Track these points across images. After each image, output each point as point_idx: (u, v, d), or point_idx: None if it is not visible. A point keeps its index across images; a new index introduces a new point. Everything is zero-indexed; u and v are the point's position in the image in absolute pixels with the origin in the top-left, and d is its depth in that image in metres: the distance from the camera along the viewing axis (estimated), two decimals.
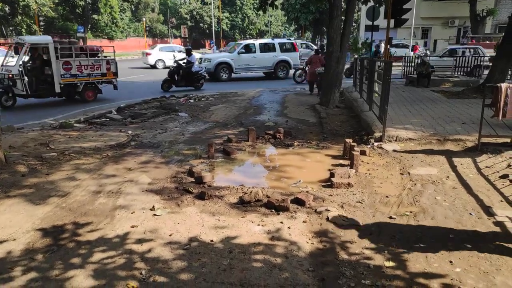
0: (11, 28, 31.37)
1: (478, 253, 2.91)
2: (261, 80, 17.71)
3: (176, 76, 13.40)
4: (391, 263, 2.79)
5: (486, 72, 12.13)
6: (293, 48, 18.52)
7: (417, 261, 2.82)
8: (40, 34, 30.14)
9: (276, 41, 18.62)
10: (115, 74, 11.48)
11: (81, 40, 36.03)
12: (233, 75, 17.61)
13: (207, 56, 19.14)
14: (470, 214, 3.58)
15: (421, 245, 3.04)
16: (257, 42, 18.36)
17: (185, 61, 13.71)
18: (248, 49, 17.65)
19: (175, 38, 55.00)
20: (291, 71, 17.49)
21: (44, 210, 3.73)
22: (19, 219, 3.52)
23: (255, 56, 17.58)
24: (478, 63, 14.41)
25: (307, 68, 12.99)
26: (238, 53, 17.25)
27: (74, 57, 10.53)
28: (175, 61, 13.60)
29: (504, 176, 4.44)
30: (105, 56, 11.75)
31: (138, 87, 14.94)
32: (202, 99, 11.57)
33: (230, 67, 17.16)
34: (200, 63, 16.85)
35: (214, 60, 17.14)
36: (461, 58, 15.61)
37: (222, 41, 55.42)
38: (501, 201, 3.86)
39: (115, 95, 12.02)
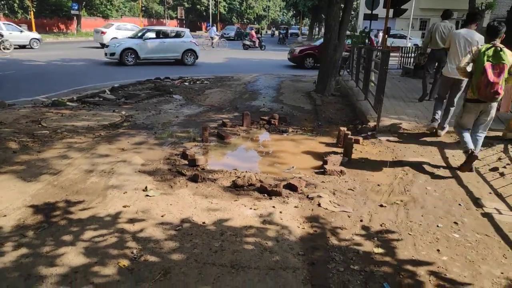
0: (3, 2, 30.57)
1: (465, 243, 2.97)
2: None
3: None
4: (380, 250, 2.84)
5: None
6: None
7: (405, 248, 2.87)
8: (33, 10, 29.39)
9: None
10: None
11: (75, 17, 35.27)
12: None
13: None
14: (459, 204, 3.63)
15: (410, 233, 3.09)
16: None
17: None
18: None
19: (171, 19, 54.08)
20: None
21: (36, 187, 3.70)
22: (10, 195, 3.50)
23: None
24: None
25: None
26: None
27: None
28: None
29: (494, 169, 4.50)
30: None
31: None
32: (197, 82, 11.47)
33: None
34: None
35: None
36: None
37: (219, 24, 54.66)
38: (490, 193, 3.92)
39: None
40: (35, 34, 22.45)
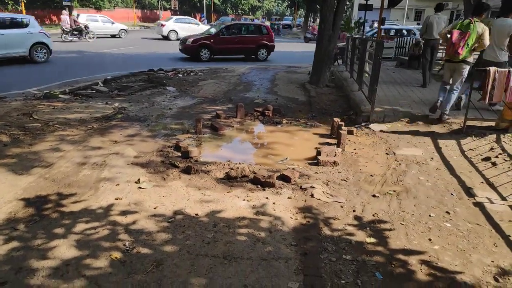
0: None
1: (457, 232, 2.99)
2: None
3: None
4: (372, 240, 2.85)
5: None
6: None
7: (397, 238, 2.88)
8: (24, 1, 28.90)
9: None
10: None
11: (67, 9, 34.77)
12: None
13: None
14: (452, 194, 3.66)
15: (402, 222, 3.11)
16: None
17: None
18: None
19: (165, 10, 53.47)
20: None
21: (27, 180, 3.67)
22: (0, 189, 3.47)
23: None
24: None
25: None
26: None
27: None
28: None
29: (486, 159, 4.53)
30: None
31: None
32: (191, 73, 11.39)
33: None
34: None
35: None
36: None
37: (214, 15, 54.19)
38: (482, 182, 3.95)
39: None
40: (123, 26, 26.07)
